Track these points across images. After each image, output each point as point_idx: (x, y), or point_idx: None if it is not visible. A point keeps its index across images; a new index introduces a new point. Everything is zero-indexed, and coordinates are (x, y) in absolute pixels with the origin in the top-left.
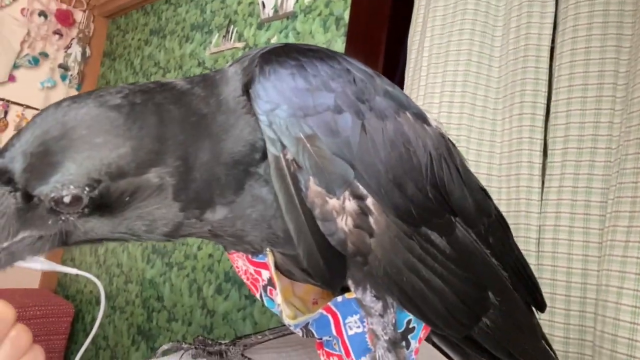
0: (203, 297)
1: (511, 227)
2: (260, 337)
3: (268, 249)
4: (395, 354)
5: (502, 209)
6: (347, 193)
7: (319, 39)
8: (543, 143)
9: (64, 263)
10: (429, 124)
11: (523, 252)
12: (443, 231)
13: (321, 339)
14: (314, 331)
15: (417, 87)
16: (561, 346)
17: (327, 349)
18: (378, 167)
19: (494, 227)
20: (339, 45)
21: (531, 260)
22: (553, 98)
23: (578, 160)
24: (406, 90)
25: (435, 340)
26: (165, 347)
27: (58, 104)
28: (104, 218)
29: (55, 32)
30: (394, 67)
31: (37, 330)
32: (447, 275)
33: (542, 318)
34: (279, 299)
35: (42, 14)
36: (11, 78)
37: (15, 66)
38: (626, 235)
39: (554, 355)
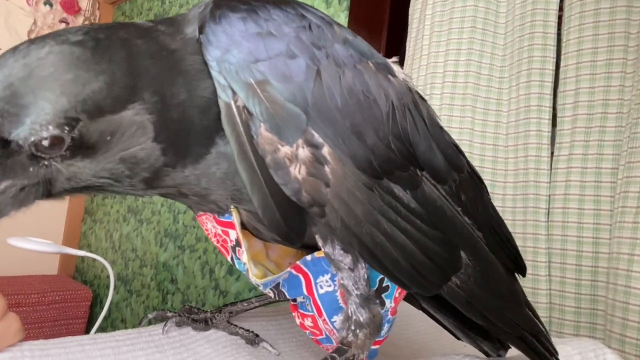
0: (215, 278)
1: (520, 197)
2: (246, 304)
3: (233, 207)
4: (368, 309)
5: (510, 179)
6: (300, 140)
7: None
8: (552, 111)
9: (80, 249)
10: (394, 75)
11: (533, 223)
12: (407, 185)
13: (295, 300)
14: (285, 292)
15: (420, 57)
16: (573, 316)
17: (301, 311)
18: (334, 114)
19: (466, 183)
20: (342, 20)
21: (541, 231)
22: (562, 64)
23: (588, 127)
24: (407, 61)
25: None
26: (150, 315)
27: (14, 48)
28: (87, 160)
29: (62, 21)
30: (398, 41)
31: (57, 315)
32: (411, 231)
33: (554, 289)
34: (244, 257)
35: (48, 2)
36: None
37: None
38: (637, 201)
39: (539, 324)
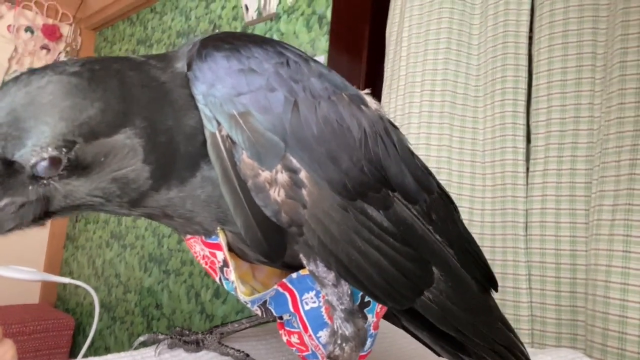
0: (201, 302)
1: (499, 212)
2: (237, 325)
3: (219, 229)
4: (353, 323)
5: (488, 195)
6: (279, 166)
7: (303, 39)
8: (526, 128)
9: (62, 276)
10: (366, 105)
11: (511, 237)
12: (380, 205)
13: (281, 318)
14: (272, 309)
15: (398, 77)
16: (554, 327)
17: (287, 328)
18: (310, 141)
19: (436, 203)
20: (323, 44)
21: (520, 245)
22: (534, 83)
23: (561, 142)
24: (386, 81)
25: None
26: (141, 338)
27: (16, 78)
28: (82, 180)
29: (43, 47)
30: (377, 63)
31: (38, 345)
32: (384, 248)
33: (535, 301)
34: (232, 275)
35: (29, 29)
36: None
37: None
38: (612, 214)
39: (513, 337)
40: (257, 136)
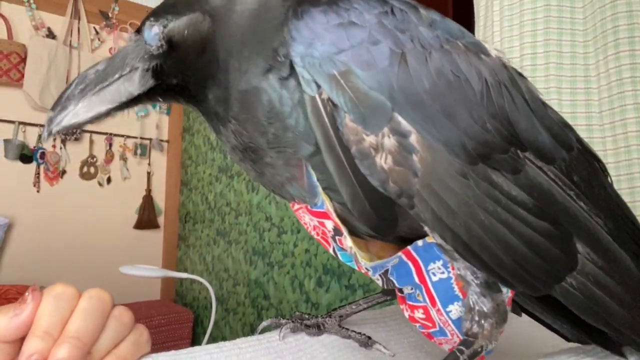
0: (306, 291)
1: (624, 178)
2: (354, 307)
3: (322, 193)
4: (491, 298)
5: (610, 160)
6: (386, 129)
7: None
8: None
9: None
10: (486, 54)
11: None
12: (507, 169)
13: (402, 291)
14: (394, 280)
15: (491, 43)
16: None
17: (409, 302)
18: (422, 97)
19: (578, 162)
20: None
21: None
22: None
23: None
24: None
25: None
26: (264, 323)
27: None
28: (174, 53)
29: None
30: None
31: (163, 338)
32: (513, 222)
33: None
34: (348, 241)
35: None
36: None
37: None
38: None
39: None
40: (360, 96)
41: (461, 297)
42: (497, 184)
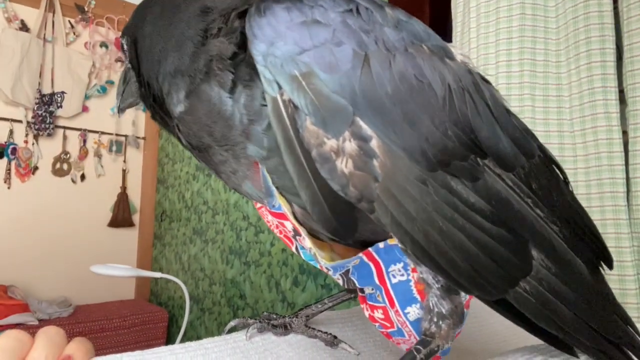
0: (282, 291)
1: (594, 183)
2: (320, 306)
3: (278, 196)
4: (449, 300)
5: (581, 165)
6: (347, 133)
7: None
8: (618, 91)
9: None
10: (451, 58)
11: (611, 208)
12: (466, 176)
13: (363, 291)
14: (355, 280)
15: (468, 50)
16: None
17: (370, 302)
18: (384, 102)
19: (538, 169)
20: None
21: (621, 215)
22: (625, 43)
23: None
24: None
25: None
26: (232, 323)
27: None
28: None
29: (117, 60)
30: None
31: (137, 337)
32: (470, 229)
33: None
34: (307, 242)
35: (103, 44)
36: (84, 109)
37: (87, 97)
38: None
39: (632, 331)
40: (322, 99)
41: (419, 299)
42: (455, 191)
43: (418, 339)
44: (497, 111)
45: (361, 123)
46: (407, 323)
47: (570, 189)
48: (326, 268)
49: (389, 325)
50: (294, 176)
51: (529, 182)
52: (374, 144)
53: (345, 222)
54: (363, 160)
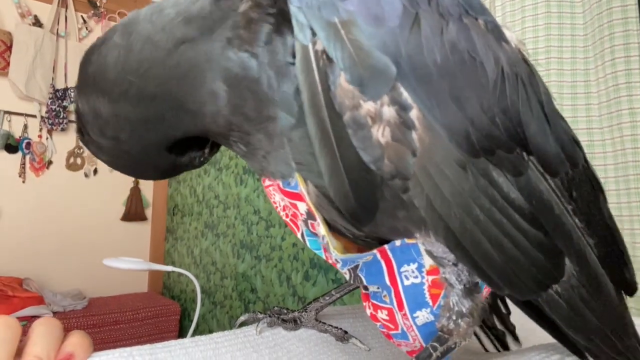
0: (293, 285)
1: (620, 179)
2: (328, 298)
3: (297, 174)
4: (471, 299)
5: (609, 161)
6: (386, 97)
7: None
8: None
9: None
10: (507, 42)
11: (635, 204)
12: (509, 169)
13: (368, 290)
14: (362, 277)
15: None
16: None
17: (374, 301)
18: (430, 71)
19: (580, 180)
20: None
21: None
22: None
23: None
24: None
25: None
26: (242, 318)
27: None
28: None
29: None
30: None
31: (150, 330)
32: (507, 226)
33: None
34: (322, 229)
35: None
36: None
37: None
38: None
39: None
40: (362, 54)
41: (431, 304)
42: (496, 183)
43: (423, 343)
44: (549, 110)
45: (402, 89)
46: (414, 327)
47: (608, 207)
48: (335, 260)
49: (392, 327)
50: (315, 141)
51: (571, 190)
52: (414, 114)
53: (364, 202)
54: (402, 130)
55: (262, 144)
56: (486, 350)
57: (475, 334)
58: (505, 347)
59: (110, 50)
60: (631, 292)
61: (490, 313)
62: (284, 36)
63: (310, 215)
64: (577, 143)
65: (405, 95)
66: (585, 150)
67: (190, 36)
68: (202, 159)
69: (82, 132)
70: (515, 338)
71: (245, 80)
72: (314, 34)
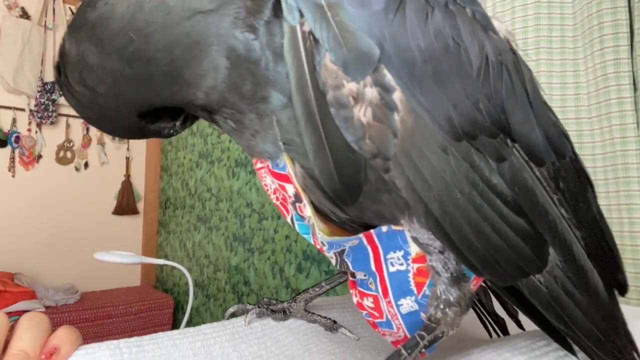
0: (286, 277)
1: (608, 168)
2: (317, 289)
3: (284, 154)
4: (458, 288)
5: (597, 151)
6: (369, 79)
7: None
8: (632, 76)
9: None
10: (494, 31)
11: (624, 194)
12: (492, 153)
13: (354, 276)
14: (349, 263)
15: None
16: None
17: (360, 289)
18: (414, 54)
19: (567, 171)
20: None
21: (635, 200)
22: (637, 26)
23: None
24: None
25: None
26: (231, 309)
27: None
28: None
29: None
30: None
31: (143, 323)
32: (487, 211)
33: None
34: (307, 211)
35: None
36: None
37: None
38: None
39: (635, 356)
40: (346, 36)
41: (415, 292)
42: (478, 167)
43: (407, 333)
44: (534, 98)
45: (385, 71)
46: (398, 315)
47: (597, 203)
48: (321, 242)
49: (377, 315)
50: (301, 121)
51: (557, 179)
52: (397, 96)
53: (348, 183)
54: (383, 111)
55: (252, 123)
56: (490, 335)
57: (481, 320)
58: (506, 333)
59: (120, 0)
60: (622, 290)
61: (491, 299)
62: (280, 19)
63: (297, 198)
64: (565, 135)
65: (389, 77)
66: (574, 140)
67: (206, 8)
68: (171, 131)
69: (59, 72)
70: (518, 323)
71: (247, 62)
72: (302, 15)
